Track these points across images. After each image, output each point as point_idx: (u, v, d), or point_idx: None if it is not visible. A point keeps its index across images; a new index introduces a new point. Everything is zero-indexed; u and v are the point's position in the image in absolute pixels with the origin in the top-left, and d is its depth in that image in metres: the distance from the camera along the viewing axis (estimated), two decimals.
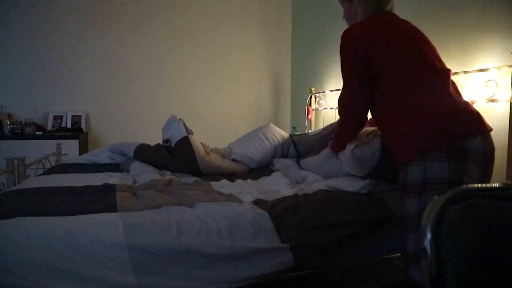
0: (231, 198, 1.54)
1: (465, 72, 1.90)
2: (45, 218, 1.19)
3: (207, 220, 1.26)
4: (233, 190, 1.70)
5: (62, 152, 2.87)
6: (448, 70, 1.39)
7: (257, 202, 1.44)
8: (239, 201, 1.50)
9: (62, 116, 3.39)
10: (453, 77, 1.94)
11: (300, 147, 2.27)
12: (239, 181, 1.93)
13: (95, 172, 2.08)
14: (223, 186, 1.81)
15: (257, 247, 1.24)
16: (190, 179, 1.91)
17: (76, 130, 3.26)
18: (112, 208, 1.32)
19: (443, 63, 1.40)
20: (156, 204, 1.39)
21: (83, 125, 3.40)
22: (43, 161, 2.46)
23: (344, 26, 1.49)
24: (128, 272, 1.11)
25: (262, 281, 1.25)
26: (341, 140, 1.66)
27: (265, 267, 1.24)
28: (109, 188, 1.60)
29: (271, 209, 1.37)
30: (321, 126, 3.44)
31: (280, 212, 1.36)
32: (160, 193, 1.57)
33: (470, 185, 0.63)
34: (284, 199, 1.50)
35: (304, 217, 1.35)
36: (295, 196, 1.55)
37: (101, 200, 1.43)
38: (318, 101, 3.41)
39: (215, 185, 1.81)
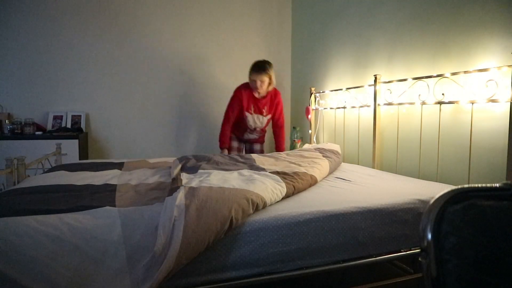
0: None
1: (465, 72, 1.90)
2: (39, 216, 1.17)
3: None
4: None
5: (62, 152, 2.87)
6: None
7: None
8: None
9: (62, 116, 3.38)
10: (453, 77, 1.96)
11: None
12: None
13: (96, 170, 2.09)
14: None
15: None
16: None
17: (76, 130, 3.26)
18: (111, 206, 1.33)
19: None
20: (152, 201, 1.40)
21: (83, 125, 3.39)
22: (43, 161, 2.45)
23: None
24: (124, 269, 1.09)
25: (262, 281, 1.25)
26: None
27: None
28: (110, 188, 1.60)
29: None
30: (321, 126, 3.44)
31: None
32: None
33: (470, 185, 0.62)
34: None
35: None
36: None
37: (99, 199, 1.43)
38: (318, 101, 3.41)
39: None
